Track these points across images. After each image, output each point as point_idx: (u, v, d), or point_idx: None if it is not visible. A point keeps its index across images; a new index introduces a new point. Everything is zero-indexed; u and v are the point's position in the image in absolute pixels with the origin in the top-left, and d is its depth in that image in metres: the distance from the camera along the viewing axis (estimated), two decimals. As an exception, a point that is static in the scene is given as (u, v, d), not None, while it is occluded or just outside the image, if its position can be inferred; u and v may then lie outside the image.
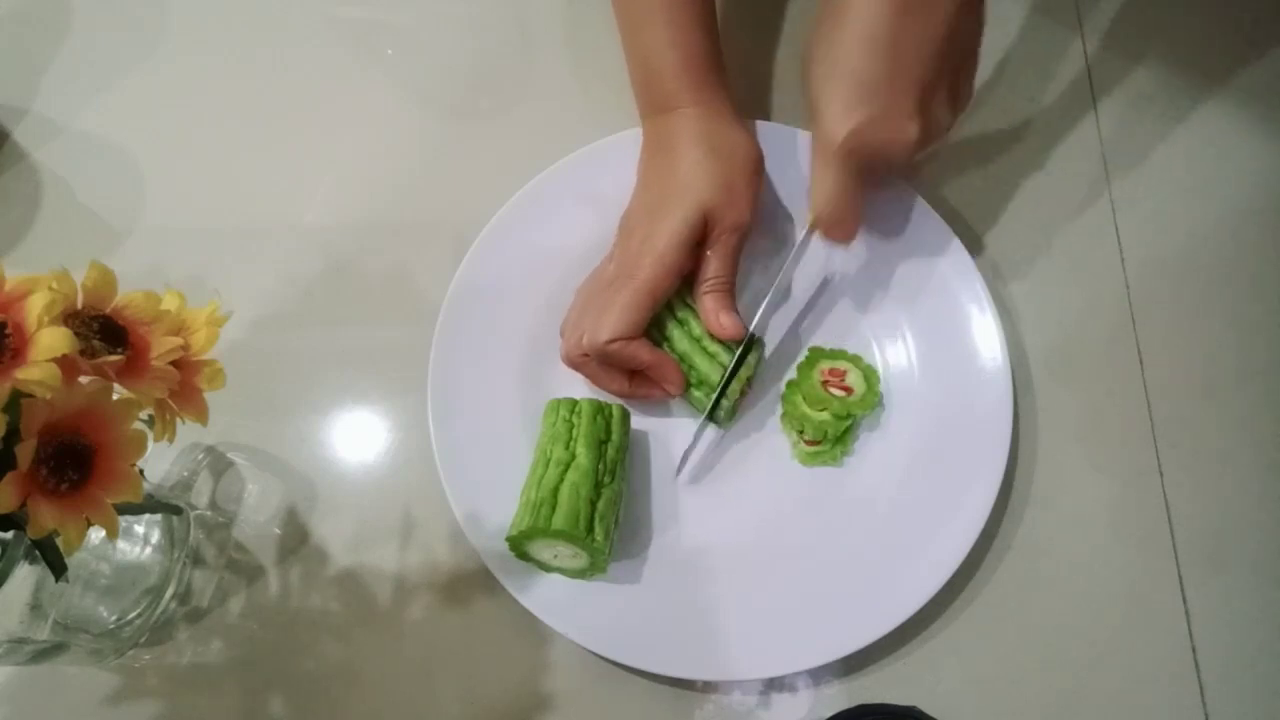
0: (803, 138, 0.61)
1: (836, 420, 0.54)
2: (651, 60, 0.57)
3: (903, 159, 0.50)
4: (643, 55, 0.58)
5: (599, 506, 0.50)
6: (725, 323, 0.53)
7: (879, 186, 0.58)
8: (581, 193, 0.59)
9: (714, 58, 0.58)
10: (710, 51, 0.57)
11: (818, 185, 0.51)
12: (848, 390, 0.55)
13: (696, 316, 0.55)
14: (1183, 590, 0.53)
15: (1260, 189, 0.62)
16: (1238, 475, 0.55)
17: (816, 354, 0.57)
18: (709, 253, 0.54)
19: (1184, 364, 0.58)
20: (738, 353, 0.54)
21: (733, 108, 0.58)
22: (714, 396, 0.53)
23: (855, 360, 0.57)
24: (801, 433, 0.55)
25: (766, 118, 0.62)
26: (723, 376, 0.53)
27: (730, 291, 0.55)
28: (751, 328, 0.54)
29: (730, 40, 0.59)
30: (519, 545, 0.50)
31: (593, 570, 0.51)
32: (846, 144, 0.49)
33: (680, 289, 0.55)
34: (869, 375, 0.56)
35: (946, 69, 0.49)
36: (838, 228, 0.53)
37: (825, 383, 0.55)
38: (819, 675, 0.51)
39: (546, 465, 0.51)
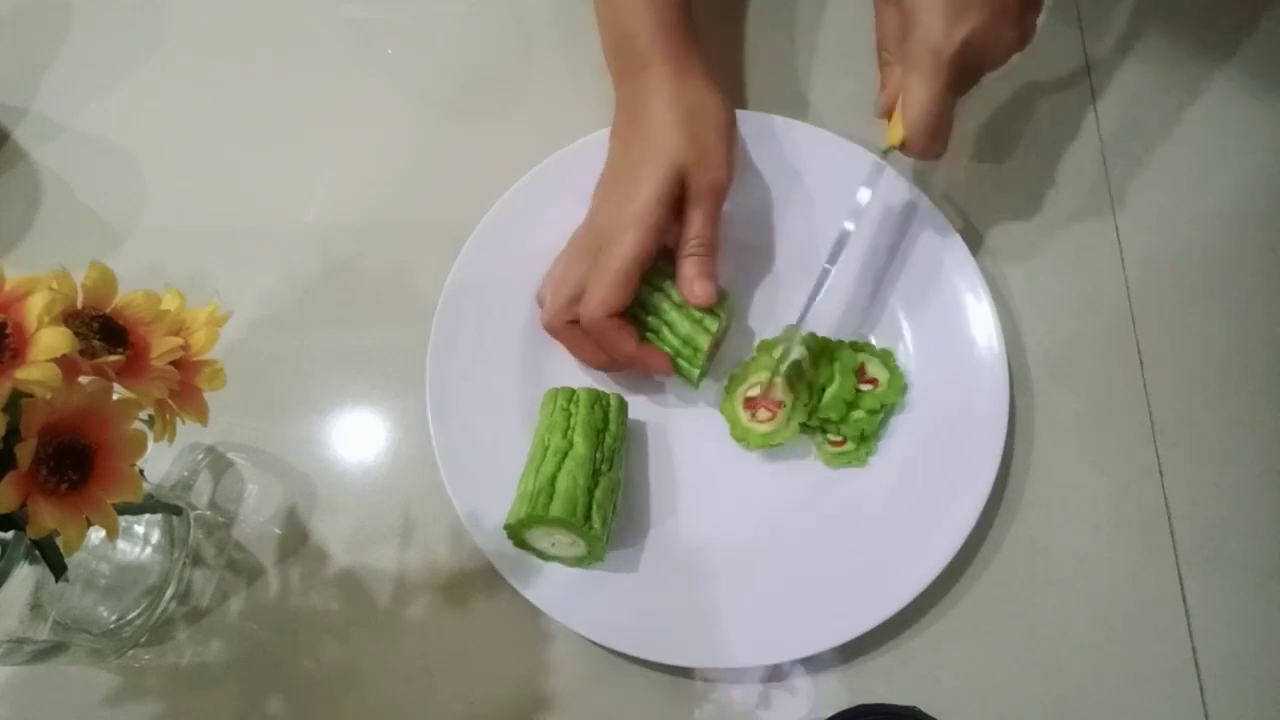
0: (779, 123, 0.61)
1: (870, 415, 0.54)
2: (626, 22, 0.57)
3: (998, 66, 0.51)
4: (617, 18, 0.58)
5: (596, 495, 0.50)
6: (699, 291, 0.52)
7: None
8: (575, 187, 0.59)
9: (686, 18, 0.58)
10: (682, 12, 0.58)
11: (913, 99, 0.50)
12: (873, 382, 0.55)
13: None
14: (1183, 590, 0.53)
15: (1261, 189, 0.62)
16: (1238, 475, 0.55)
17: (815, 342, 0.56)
18: (689, 214, 0.54)
19: (1184, 364, 0.58)
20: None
21: (704, 68, 0.57)
22: (701, 363, 0.53)
23: (868, 348, 0.57)
24: (826, 434, 0.55)
25: (743, 106, 0.62)
26: (708, 338, 0.53)
27: (711, 255, 0.54)
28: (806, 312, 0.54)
29: (704, 31, 0.59)
30: (517, 533, 0.50)
31: (590, 559, 0.51)
32: (959, 51, 0.48)
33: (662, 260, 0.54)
34: (885, 359, 0.56)
35: None
36: (935, 141, 0.51)
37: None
38: (819, 674, 0.51)
39: (544, 454, 0.51)
